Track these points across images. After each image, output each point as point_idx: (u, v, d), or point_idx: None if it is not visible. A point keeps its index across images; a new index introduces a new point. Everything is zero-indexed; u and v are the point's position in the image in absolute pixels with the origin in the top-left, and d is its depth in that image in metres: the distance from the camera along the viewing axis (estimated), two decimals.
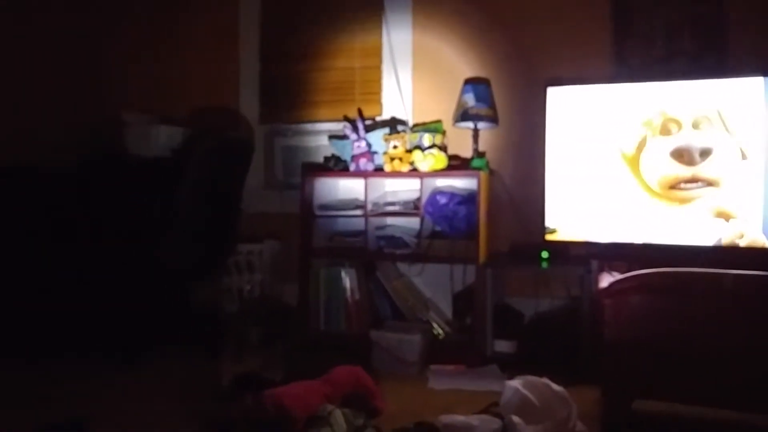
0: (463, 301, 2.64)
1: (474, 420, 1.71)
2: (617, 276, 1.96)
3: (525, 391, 1.75)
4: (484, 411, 1.80)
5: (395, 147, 2.60)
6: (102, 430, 1.72)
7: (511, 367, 2.21)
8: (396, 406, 1.93)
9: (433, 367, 2.34)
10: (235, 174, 2.72)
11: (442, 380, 2.21)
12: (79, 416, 1.77)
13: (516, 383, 1.78)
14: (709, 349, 1.57)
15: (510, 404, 1.74)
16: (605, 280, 2.07)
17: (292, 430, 1.62)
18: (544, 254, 2.44)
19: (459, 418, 1.71)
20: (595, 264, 2.28)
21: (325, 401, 1.72)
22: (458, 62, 2.85)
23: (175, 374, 2.25)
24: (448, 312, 2.72)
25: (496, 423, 1.70)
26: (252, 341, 2.43)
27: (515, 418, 1.67)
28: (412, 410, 1.89)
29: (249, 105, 3.22)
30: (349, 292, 2.68)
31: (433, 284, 2.78)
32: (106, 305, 2.42)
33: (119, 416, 1.85)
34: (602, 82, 2.42)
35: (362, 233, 2.67)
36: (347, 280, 2.69)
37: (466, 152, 2.70)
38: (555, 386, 1.75)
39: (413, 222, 2.65)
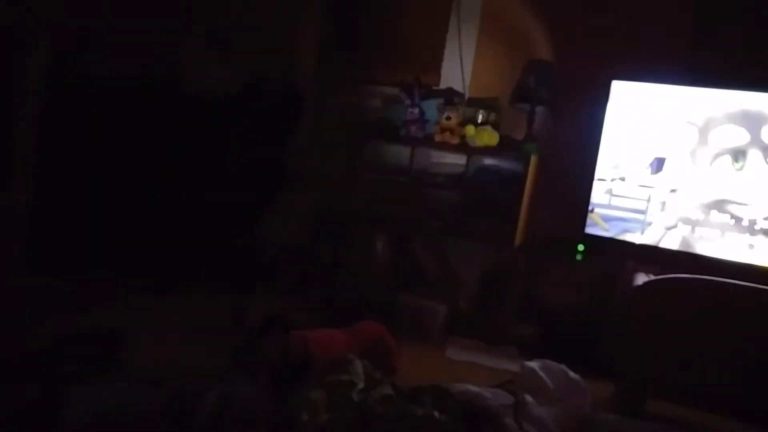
0: (492, 281, 2.66)
1: (487, 392, 1.75)
2: (654, 277, 1.95)
3: (542, 374, 1.79)
4: (499, 386, 1.84)
5: (448, 118, 2.60)
6: (133, 348, 1.79)
7: (529, 350, 2.24)
8: (412, 368, 1.98)
9: (452, 338, 2.39)
10: (286, 124, 2.76)
11: (460, 352, 2.26)
12: (114, 330, 1.86)
13: (534, 365, 1.82)
14: (737, 363, 1.56)
15: (525, 384, 1.78)
16: (640, 279, 2.07)
17: (313, 371, 1.69)
18: (580, 247, 2.43)
19: (473, 389, 1.75)
20: (630, 264, 2.27)
21: (347, 351, 1.78)
22: (525, 41, 2.80)
23: (208, 307, 2.35)
24: (475, 290, 2.75)
25: (509, 399, 1.73)
26: (284, 286, 2.52)
27: (528, 398, 1.70)
28: (427, 375, 1.94)
29: (308, 59, 3.24)
30: (381, 256, 2.73)
31: (465, 260, 2.79)
32: (152, 234, 2.54)
33: (151, 337, 1.93)
34: (674, 83, 2.35)
35: (402, 200, 2.70)
36: (381, 243, 2.73)
37: (518, 134, 2.67)
38: (572, 374, 1.78)
39: (454, 196, 2.66)
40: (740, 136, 2.20)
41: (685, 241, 2.28)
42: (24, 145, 2.50)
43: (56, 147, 2.54)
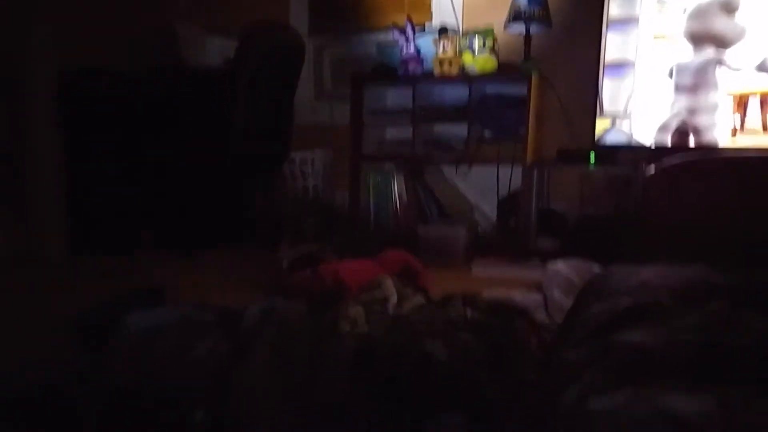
0: (508, 205, 2.70)
1: (516, 294, 1.80)
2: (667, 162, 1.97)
3: (567, 271, 1.83)
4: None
5: (445, 49, 2.61)
6: (174, 299, 1.86)
7: (553, 259, 2.27)
8: (441, 287, 2.03)
9: (476, 259, 2.44)
10: (287, 76, 2.79)
11: (485, 269, 2.30)
12: (158, 284, 1.94)
13: (559, 264, 1.86)
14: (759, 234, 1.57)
15: (552, 282, 1.82)
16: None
17: (346, 297, 1.75)
18: (592, 156, 2.45)
19: (502, 292, 1.80)
20: (643, 165, 2.28)
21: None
22: None
23: (238, 260, 2.46)
24: (493, 215, 2.79)
25: (538, 298, 1.79)
26: (307, 234, 2.58)
27: (556, 293, 1.75)
28: (456, 290, 1.99)
29: (298, 17, 3.26)
30: (397, 196, 2.78)
31: (479, 189, 2.84)
32: (176, 203, 2.63)
33: (189, 289, 2.02)
34: None
35: (410, 139, 2.73)
36: (395, 184, 2.78)
37: (518, 59, 2.68)
38: (597, 267, 1.82)
39: (461, 128, 2.69)
40: None
41: (695, 136, 2.29)
42: (47, 147, 2.61)
43: (79, 142, 2.66)
